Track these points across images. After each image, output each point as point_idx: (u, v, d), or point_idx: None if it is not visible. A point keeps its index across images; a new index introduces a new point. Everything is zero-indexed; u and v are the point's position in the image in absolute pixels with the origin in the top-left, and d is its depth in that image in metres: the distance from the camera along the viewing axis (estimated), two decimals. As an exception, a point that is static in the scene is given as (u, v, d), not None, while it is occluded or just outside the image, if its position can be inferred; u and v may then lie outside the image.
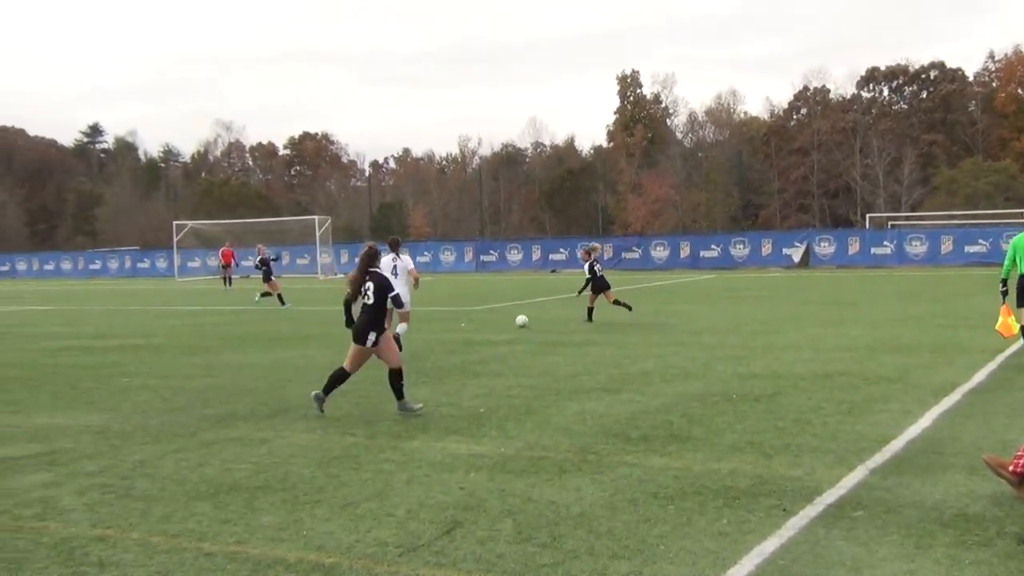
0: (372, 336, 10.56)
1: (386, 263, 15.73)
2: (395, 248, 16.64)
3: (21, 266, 74.03)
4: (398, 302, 11.26)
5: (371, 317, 10.66)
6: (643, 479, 7.61)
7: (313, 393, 10.91)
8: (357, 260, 11.06)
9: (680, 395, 11.57)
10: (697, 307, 25.63)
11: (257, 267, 31.83)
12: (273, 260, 32.27)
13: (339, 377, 10.80)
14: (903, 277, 39.79)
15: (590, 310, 21.80)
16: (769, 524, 6.40)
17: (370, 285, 10.74)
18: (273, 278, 30.59)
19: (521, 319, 20.80)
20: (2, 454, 9.17)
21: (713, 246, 54.44)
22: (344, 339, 19.20)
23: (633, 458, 8.33)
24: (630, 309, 21.75)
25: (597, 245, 23.65)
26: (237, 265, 47.81)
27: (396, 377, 10.68)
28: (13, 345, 19.85)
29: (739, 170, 79.24)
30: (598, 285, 21.60)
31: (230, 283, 45.00)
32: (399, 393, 10.69)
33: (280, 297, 29.48)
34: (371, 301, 10.71)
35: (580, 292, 23.05)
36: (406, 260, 16.73)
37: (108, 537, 6.50)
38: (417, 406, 10.72)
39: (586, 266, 21.95)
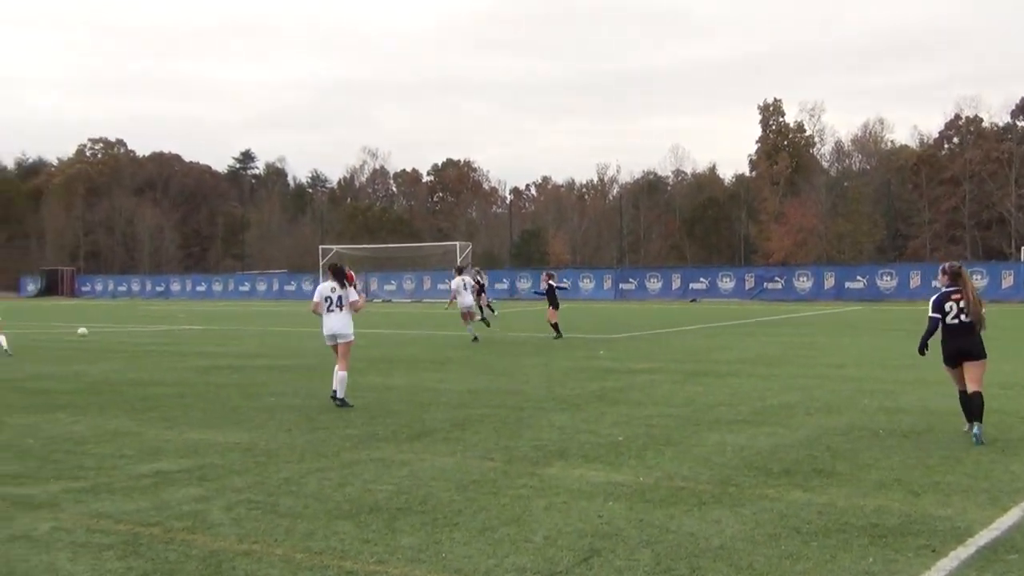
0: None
1: (459, 281, 25.64)
2: (460, 272, 26.66)
3: (175, 287, 77.13)
4: None
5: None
6: (785, 513, 7.46)
7: (975, 431, 10.25)
8: (950, 283, 10.76)
9: (824, 429, 11.31)
10: (841, 340, 25.04)
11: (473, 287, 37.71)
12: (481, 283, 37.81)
13: (966, 402, 10.56)
14: (1061, 312, 38.14)
15: (555, 325, 26.19)
16: (918, 564, 6.19)
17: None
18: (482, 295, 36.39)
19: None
20: (156, 468, 9.51)
21: (859, 277, 53.11)
22: (477, 364, 19.49)
23: (775, 491, 8.16)
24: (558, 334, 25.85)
25: (554, 273, 30.23)
26: (355, 287, 50.95)
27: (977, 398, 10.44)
28: (167, 363, 20.57)
29: (887, 200, 77.27)
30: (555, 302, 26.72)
31: None
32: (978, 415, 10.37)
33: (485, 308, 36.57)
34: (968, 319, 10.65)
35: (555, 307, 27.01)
36: (468, 280, 26.07)
37: (254, 552, 6.67)
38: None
39: (545, 286, 26.99)
